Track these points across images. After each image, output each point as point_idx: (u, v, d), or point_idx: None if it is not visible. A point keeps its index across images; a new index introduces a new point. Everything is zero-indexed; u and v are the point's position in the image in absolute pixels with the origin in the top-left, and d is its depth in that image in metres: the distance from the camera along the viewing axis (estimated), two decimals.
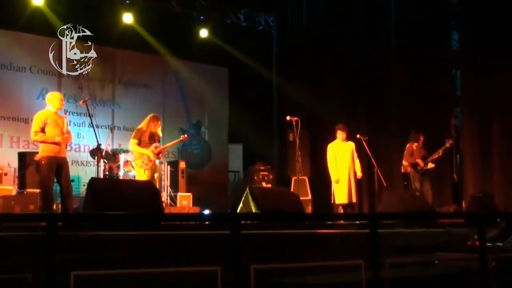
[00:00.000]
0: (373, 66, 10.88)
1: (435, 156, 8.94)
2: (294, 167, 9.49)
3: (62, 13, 9.79)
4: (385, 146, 10.46)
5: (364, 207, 10.22)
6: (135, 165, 7.97)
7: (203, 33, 12.16)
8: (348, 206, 8.71)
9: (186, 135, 8.91)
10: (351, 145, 8.86)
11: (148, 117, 8.03)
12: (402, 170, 9.20)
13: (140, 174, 7.84)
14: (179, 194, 10.16)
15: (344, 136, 8.80)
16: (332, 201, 8.87)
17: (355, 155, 8.85)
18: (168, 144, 8.65)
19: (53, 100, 6.88)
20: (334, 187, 8.77)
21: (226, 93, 12.68)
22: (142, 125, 8.01)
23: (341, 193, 8.67)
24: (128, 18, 11.15)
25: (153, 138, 7.97)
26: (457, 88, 10.66)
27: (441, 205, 9.16)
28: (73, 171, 8.00)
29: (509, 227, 4.89)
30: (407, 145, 9.14)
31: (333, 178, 8.73)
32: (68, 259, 2.96)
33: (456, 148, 9.90)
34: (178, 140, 8.78)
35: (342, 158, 8.75)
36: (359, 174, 8.80)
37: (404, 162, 9.11)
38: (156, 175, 8.05)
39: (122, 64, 11.37)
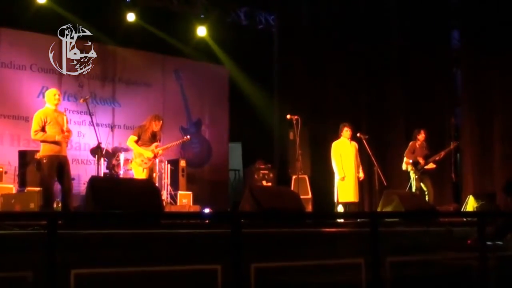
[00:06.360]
0: (373, 64, 10.88)
1: (437, 157, 8.92)
2: (295, 165, 9.48)
3: (63, 11, 9.78)
4: (386, 145, 10.47)
5: (365, 206, 10.23)
6: (134, 163, 7.97)
7: (204, 31, 12.15)
8: (352, 204, 8.71)
9: (188, 136, 8.85)
10: (354, 145, 8.91)
11: (150, 116, 8.09)
12: (403, 168, 9.20)
13: (137, 172, 7.84)
14: (179, 192, 10.14)
15: (350, 134, 8.81)
16: (336, 199, 8.86)
17: (357, 155, 8.89)
18: (169, 145, 8.64)
19: (49, 96, 6.90)
20: (339, 185, 8.75)
21: (226, 92, 12.66)
22: (144, 123, 8.06)
23: (347, 191, 8.67)
24: (129, 16, 11.14)
25: (154, 137, 7.99)
26: (457, 87, 10.66)
27: (441, 204, 9.17)
28: (73, 169, 7.99)
29: (508, 226, 4.90)
30: (410, 143, 9.15)
31: (339, 175, 8.68)
32: (68, 257, 2.96)
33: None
34: (181, 141, 8.78)
35: (347, 157, 8.75)
36: (361, 175, 8.84)
37: (406, 159, 9.11)
38: (154, 175, 8.05)
39: (122, 62, 11.34)
